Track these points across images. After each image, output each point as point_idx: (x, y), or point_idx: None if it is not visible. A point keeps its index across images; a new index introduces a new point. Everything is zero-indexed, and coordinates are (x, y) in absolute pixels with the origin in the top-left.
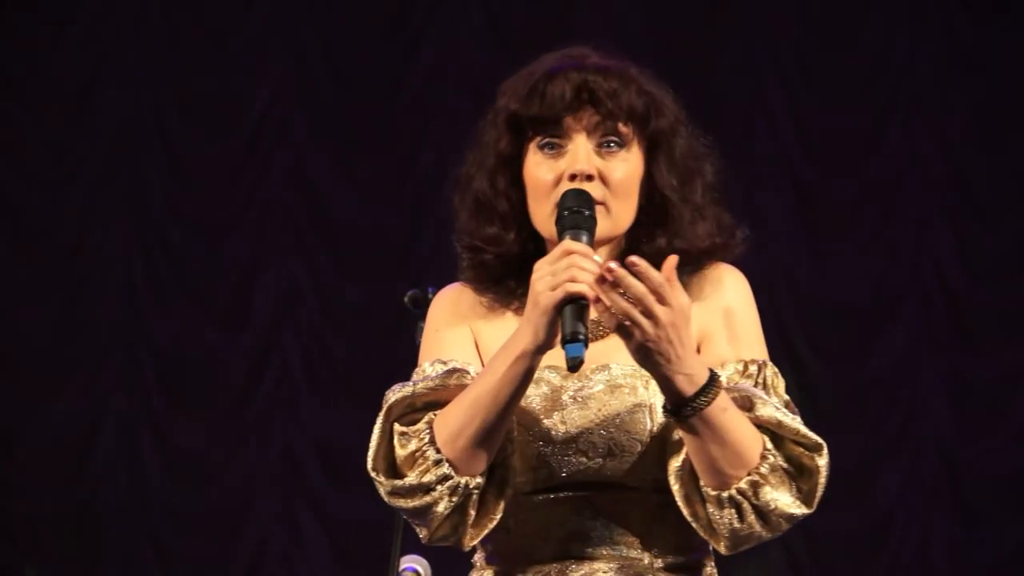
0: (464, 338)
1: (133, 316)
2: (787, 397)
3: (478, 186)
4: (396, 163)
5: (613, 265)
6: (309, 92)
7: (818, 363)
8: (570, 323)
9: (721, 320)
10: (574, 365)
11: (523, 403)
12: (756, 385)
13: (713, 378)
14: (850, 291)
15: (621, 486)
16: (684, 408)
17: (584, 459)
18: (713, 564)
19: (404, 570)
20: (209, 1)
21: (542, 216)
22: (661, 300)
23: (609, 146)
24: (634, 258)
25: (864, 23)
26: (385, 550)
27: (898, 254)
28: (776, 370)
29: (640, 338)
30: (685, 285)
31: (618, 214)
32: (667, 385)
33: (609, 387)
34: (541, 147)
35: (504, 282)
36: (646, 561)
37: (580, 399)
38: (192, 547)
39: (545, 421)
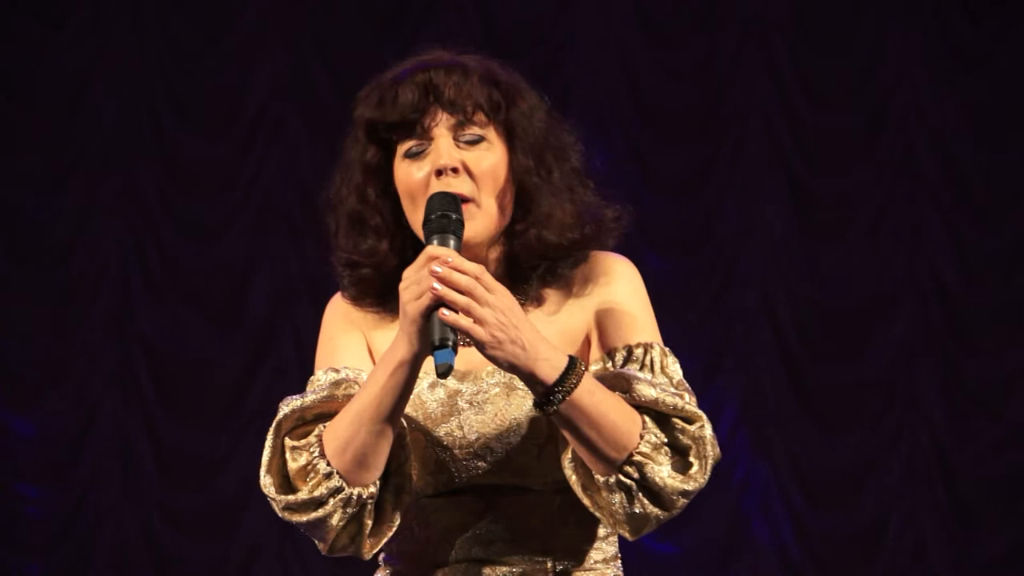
0: (357, 344)
1: (127, 315)
2: (679, 376)
3: (349, 203)
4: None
5: (451, 257)
6: (304, 91)
7: (813, 363)
8: (438, 330)
9: (606, 311)
10: (443, 372)
11: (420, 408)
12: (643, 367)
13: (573, 361)
14: (845, 291)
15: (522, 488)
16: (552, 396)
17: (483, 463)
18: (619, 566)
19: None
20: (204, 0)
21: (417, 221)
22: (487, 287)
23: (469, 140)
24: (444, 255)
25: (858, 23)
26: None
27: (893, 254)
28: (666, 350)
29: (486, 334)
30: (568, 279)
31: (488, 208)
32: (531, 377)
33: (505, 390)
34: (406, 155)
35: (386, 296)
36: (548, 564)
37: (476, 403)
38: (187, 547)
39: (442, 426)
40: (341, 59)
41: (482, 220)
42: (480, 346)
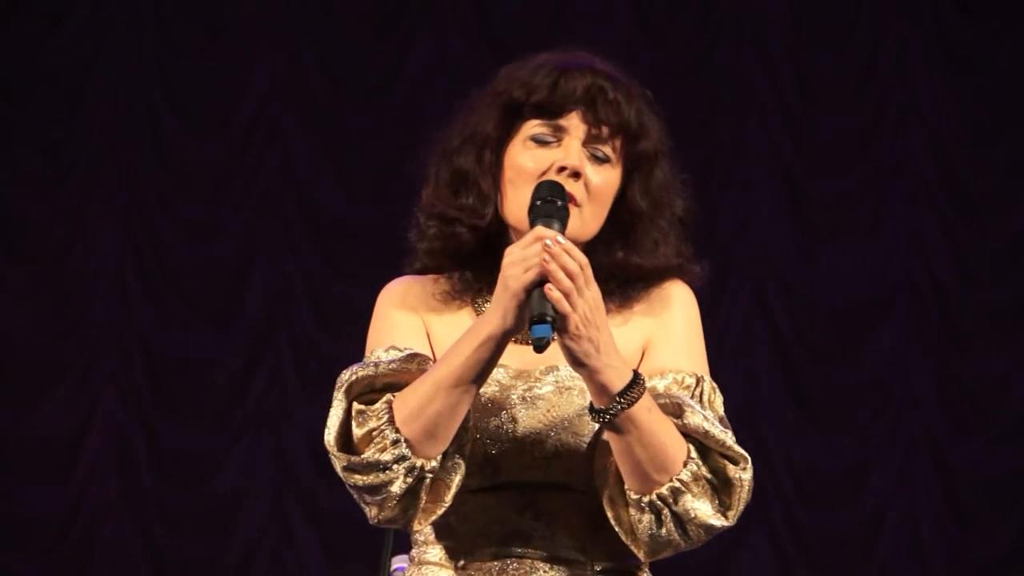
0: (416, 328)
1: (124, 315)
2: (723, 413)
3: (462, 160)
4: (387, 163)
5: (560, 238)
6: (300, 92)
7: (810, 363)
8: (538, 304)
9: (664, 332)
10: (540, 346)
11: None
12: (692, 397)
13: (637, 376)
14: (841, 291)
15: (565, 488)
16: (611, 405)
17: (529, 459)
18: (649, 570)
19: (395, 570)
20: (201, 0)
21: (518, 203)
22: (587, 280)
23: (598, 156)
24: (559, 237)
25: (856, 23)
26: (376, 550)
27: (889, 254)
28: (715, 386)
29: (572, 323)
30: (635, 299)
31: (588, 218)
32: (596, 379)
33: (558, 388)
34: (532, 137)
35: (463, 270)
36: (586, 564)
37: (529, 399)
38: (183, 547)
39: (493, 420)
40: (338, 60)
41: (579, 224)
42: (563, 332)
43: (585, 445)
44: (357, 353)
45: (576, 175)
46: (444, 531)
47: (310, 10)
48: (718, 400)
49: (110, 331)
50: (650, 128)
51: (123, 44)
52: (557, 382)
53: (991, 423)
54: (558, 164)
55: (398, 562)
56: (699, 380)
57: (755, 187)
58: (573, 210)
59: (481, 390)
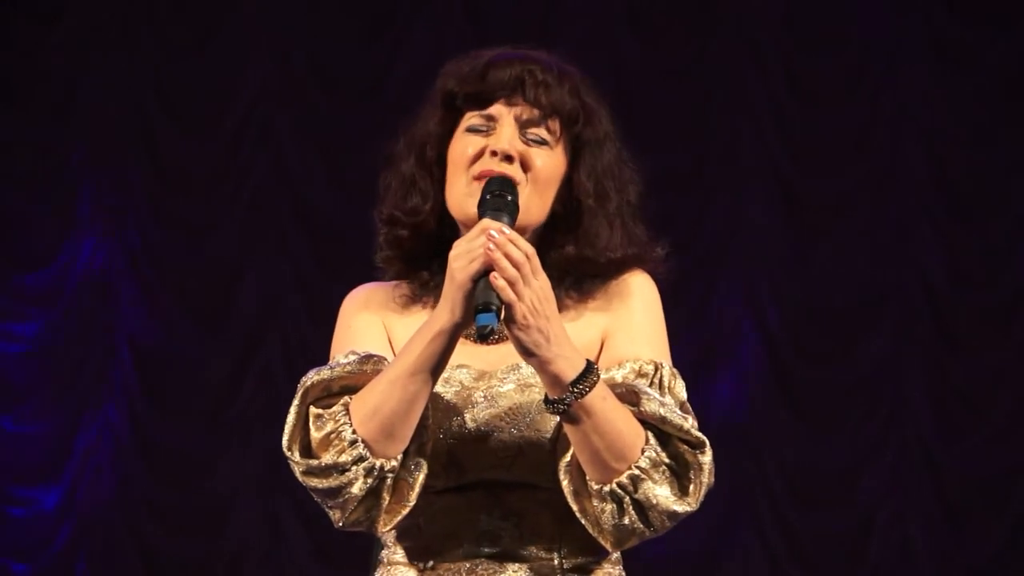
0: (377, 331)
1: (115, 315)
2: (684, 398)
3: (405, 164)
4: (379, 163)
5: (506, 229)
6: (293, 92)
7: (801, 364)
8: (483, 293)
9: (621, 322)
10: (484, 334)
11: (434, 402)
12: (651, 385)
13: (590, 366)
14: (833, 292)
15: (532, 486)
16: (564, 395)
17: (494, 458)
18: (621, 566)
19: None
20: (193, 1)
21: (457, 191)
22: (534, 269)
23: (533, 139)
24: (504, 228)
25: (847, 24)
26: (366, 549)
27: (881, 255)
28: (675, 372)
29: (520, 313)
30: (592, 293)
31: (528, 203)
32: (548, 369)
33: (520, 386)
34: (467, 128)
35: (418, 271)
36: (555, 562)
37: (491, 397)
38: (175, 547)
39: (455, 419)
40: (330, 60)
41: (519, 211)
42: (510, 323)
43: (548, 442)
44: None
45: (508, 158)
46: (413, 532)
47: (302, 11)
48: (678, 386)
49: (101, 331)
50: (591, 111)
51: (115, 44)
52: (519, 380)
53: (982, 423)
54: (490, 148)
55: None
56: (658, 367)
57: (747, 188)
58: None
59: (444, 391)
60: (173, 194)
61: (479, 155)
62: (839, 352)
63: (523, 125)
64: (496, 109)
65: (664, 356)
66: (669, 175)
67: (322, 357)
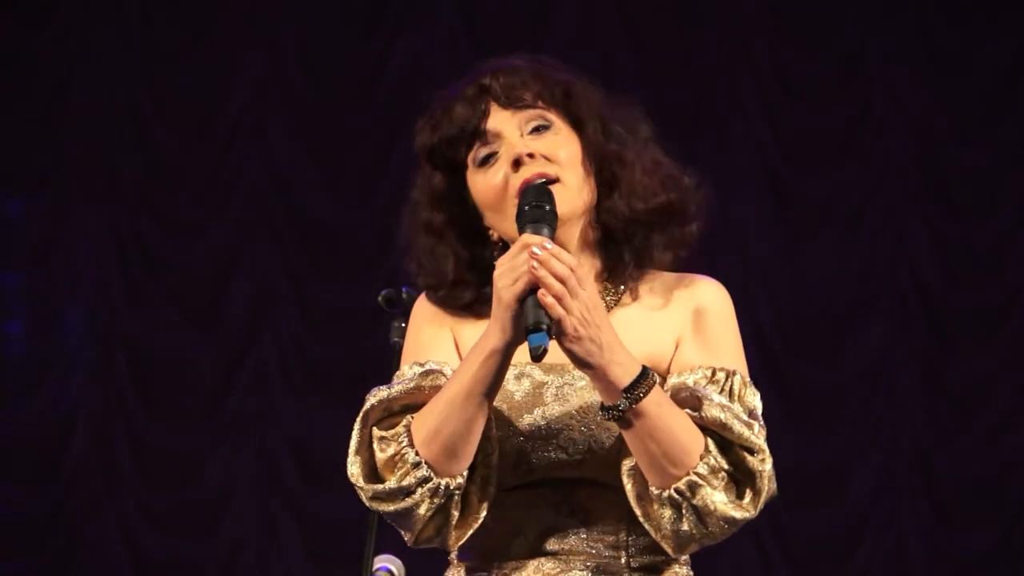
0: (444, 339)
1: (108, 315)
2: (754, 406)
3: (420, 242)
4: (371, 163)
5: (548, 244)
6: (285, 92)
7: (793, 363)
8: (532, 313)
9: (699, 329)
10: (537, 355)
11: (506, 399)
12: (721, 392)
13: (645, 371)
14: (825, 290)
15: (599, 484)
16: (619, 401)
17: (564, 455)
18: (689, 566)
19: (378, 570)
20: (186, 2)
21: (507, 222)
22: (579, 280)
23: (536, 131)
24: (541, 243)
25: (839, 23)
26: (360, 550)
27: (873, 254)
28: (748, 381)
29: (570, 325)
30: (667, 286)
31: (571, 183)
32: (603, 377)
33: (592, 384)
34: (478, 166)
35: (472, 305)
36: (622, 561)
37: (562, 395)
38: (167, 547)
39: (526, 416)
40: (321, 60)
41: (567, 196)
42: (561, 336)
43: (617, 440)
44: (341, 352)
45: (531, 156)
46: (480, 530)
47: (293, 11)
48: (750, 395)
49: (93, 331)
50: (562, 78)
51: (107, 44)
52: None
53: (975, 423)
54: (510, 161)
55: (381, 562)
56: (729, 375)
57: (739, 187)
58: (558, 188)
59: (516, 389)
60: (165, 194)
61: (505, 179)
62: (831, 351)
63: (518, 125)
64: (486, 127)
65: (739, 365)
66: None
67: (314, 356)
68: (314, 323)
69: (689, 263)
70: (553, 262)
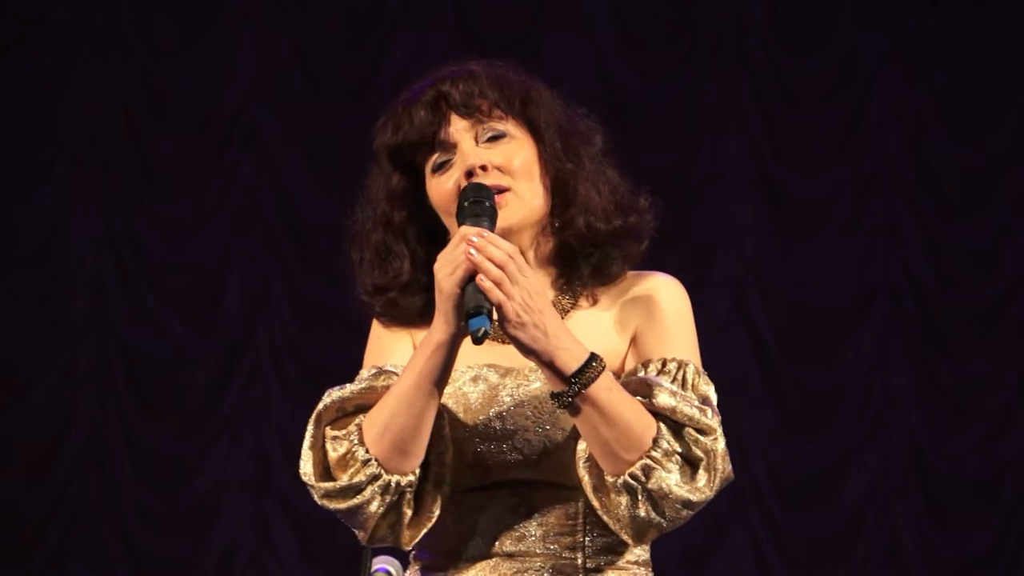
0: (403, 345)
1: (103, 316)
2: (707, 395)
3: (375, 235)
4: (367, 164)
5: (485, 232)
6: (280, 92)
7: (788, 364)
8: (472, 298)
9: (652, 324)
10: (478, 338)
11: (462, 400)
12: (673, 381)
13: (593, 356)
14: (820, 291)
15: (556, 485)
16: (568, 387)
17: (519, 457)
18: (649, 568)
19: (376, 571)
20: (180, 1)
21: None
22: (519, 267)
23: (491, 137)
24: (483, 232)
25: (834, 23)
26: (355, 550)
27: (868, 255)
28: (701, 371)
29: (512, 311)
30: (621, 287)
31: (524, 194)
32: (549, 364)
33: (547, 386)
34: (434, 171)
35: (422, 317)
36: (578, 562)
37: (517, 397)
38: (162, 547)
39: (482, 418)
40: (317, 60)
41: (519, 206)
42: (504, 323)
43: (574, 441)
44: (336, 353)
45: (483, 168)
46: (439, 532)
47: (289, 10)
48: (703, 384)
49: (88, 332)
50: (520, 86)
51: (102, 44)
52: (546, 380)
53: (970, 424)
54: (464, 171)
55: (379, 563)
56: (681, 364)
57: (734, 188)
58: (507, 198)
59: (471, 390)
60: (160, 194)
61: (457, 186)
62: (826, 352)
63: (474, 133)
64: (443, 136)
65: (693, 357)
66: (655, 175)
67: (308, 357)
68: (308, 324)
69: (690, 263)
70: (490, 248)
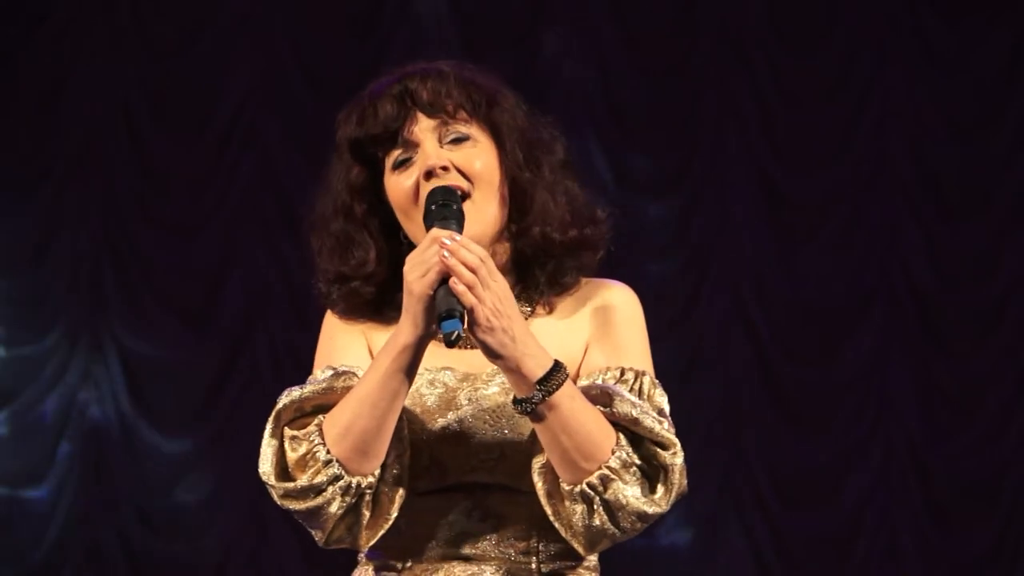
0: (357, 344)
1: (102, 316)
2: (662, 406)
3: (335, 223)
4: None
5: (457, 236)
6: (280, 93)
7: (788, 365)
8: (444, 301)
9: (606, 332)
10: (451, 341)
11: (419, 403)
12: (631, 391)
13: (558, 364)
14: (819, 292)
15: (511, 489)
16: (532, 394)
17: (476, 460)
18: (599, 574)
19: None
20: (180, 1)
21: (415, 227)
22: (490, 271)
23: (454, 139)
24: (455, 235)
25: (833, 25)
26: (353, 551)
27: (867, 255)
28: (656, 382)
29: (482, 315)
30: (577, 296)
31: (482, 203)
32: (515, 370)
33: (504, 389)
34: (394, 167)
35: (378, 308)
36: (532, 566)
37: (475, 400)
38: (162, 547)
39: (439, 421)
40: (316, 61)
41: (478, 216)
42: (474, 327)
43: (530, 445)
44: None
45: (444, 168)
46: (393, 532)
47: (288, 10)
48: (658, 395)
49: (87, 333)
50: (488, 89)
51: (101, 45)
52: (503, 383)
53: (969, 425)
54: (424, 170)
55: None
56: (638, 375)
57: (733, 189)
58: (468, 206)
59: (428, 393)
60: (159, 195)
61: (416, 184)
62: (826, 353)
63: (437, 133)
64: (406, 134)
65: (647, 366)
66: (655, 176)
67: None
68: (307, 324)
69: (689, 263)
70: (463, 251)
